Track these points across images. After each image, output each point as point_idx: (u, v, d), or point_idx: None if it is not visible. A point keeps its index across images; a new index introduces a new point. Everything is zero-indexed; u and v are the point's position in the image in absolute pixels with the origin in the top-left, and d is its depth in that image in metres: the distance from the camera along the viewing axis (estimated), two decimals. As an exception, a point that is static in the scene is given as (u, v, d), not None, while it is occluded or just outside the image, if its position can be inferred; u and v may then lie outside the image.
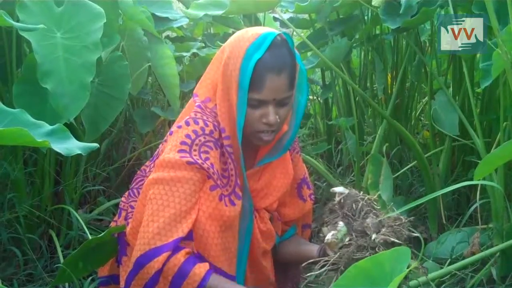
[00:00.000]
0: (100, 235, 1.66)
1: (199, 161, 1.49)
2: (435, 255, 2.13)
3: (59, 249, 2.04)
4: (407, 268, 1.17)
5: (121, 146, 2.96)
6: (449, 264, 1.99)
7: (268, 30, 1.55)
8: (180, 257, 1.45)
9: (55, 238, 2.15)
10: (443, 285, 1.94)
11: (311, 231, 1.98)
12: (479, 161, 1.80)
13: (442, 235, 2.26)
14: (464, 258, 2.00)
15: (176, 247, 1.45)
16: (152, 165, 1.68)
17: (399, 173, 2.66)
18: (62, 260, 1.95)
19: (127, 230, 1.61)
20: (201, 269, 1.45)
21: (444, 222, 2.37)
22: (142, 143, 2.91)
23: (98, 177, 2.63)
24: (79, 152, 1.53)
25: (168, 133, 1.61)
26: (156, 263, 1.44)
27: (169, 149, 1.53)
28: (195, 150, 1.51)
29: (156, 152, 1.71)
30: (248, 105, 1.51)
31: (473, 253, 1.98)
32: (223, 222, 1.51)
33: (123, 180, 2.79)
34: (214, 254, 1.51)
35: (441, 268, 1.95)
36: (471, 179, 2.19)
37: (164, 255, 1.44)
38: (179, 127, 1.55)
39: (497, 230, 2.03)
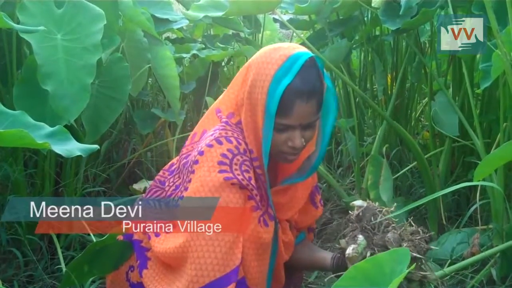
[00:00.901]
0: (103, 238, 1.65)
1: (244, 182, 1.45)
2: (435, 256, 2.13)
3: (59, 250, 2.04)
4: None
5: (121, 147, 2.96)
6: (449, 265, 1.99)
7: (296, 50, 1.48)
8: None
9: (55, 239, 2.15)
10: (443, 286, 1.94)
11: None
12: (479, 162, 1.80)
13: (442, 236, 2.26)
14: (464, 259, 1.99)
15: (238, 281, 1.44)
16: (172, 179, 1.61)
17: (399, 174, 2.66)
18: (62, 261, 1.95)
19: (157, 248, 1.53)
20: None
21: (444, 223, 2.37)
22: (142, 144, 2.91)
23: (98, 178, 2.63)
24: (79, 153, 1.54)
25: (197, 153, 1.51)
26: None
27: (207, 170, 1.45)
28: (236, 170, 1.45)
29: (176, 166, 1.62)
30: (274, 128, 1.46)
31: (473, 254, 1.98)
32: (260, 245, 1.49)
33: (124, 181, 2.79)
34: (251, 276, 1.49)
35: (441, 269, 1.95)
36: (471, 180, 2.19)
37: (231, 287, 1.42)
38: (210, 146, 1.46)
39: (497, 230, 2.03)
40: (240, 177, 1.44)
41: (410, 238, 1.45)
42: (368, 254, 1.44)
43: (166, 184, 1.61)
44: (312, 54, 1.48)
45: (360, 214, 1.50)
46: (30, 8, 1.97)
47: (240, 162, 1.46)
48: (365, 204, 1.52)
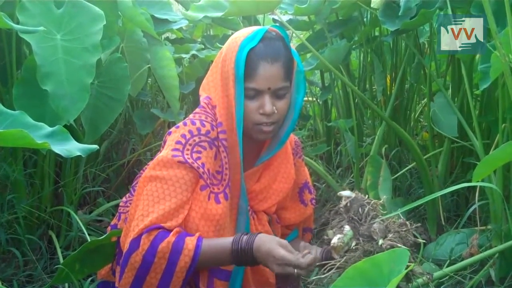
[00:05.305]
0: (101, 237, 1.66)
1: (190, 161, 1.51)
2: (434, 256, 2.14)
3: (59, 250, 2.05)
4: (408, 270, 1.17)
5: (120, 148, 2.97)
6: (448, 266, 1.99)
7: (264, 27, 1.59)
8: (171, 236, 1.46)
9: (55, 239, 2.15)
10: (442, 287, 1.95)
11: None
12: (478, 163, 1.80)
13: (441, 236, 2.26)
14: (463, 259, 2.00)
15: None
16: None
17: (398, 174, 2.66)
18: (62, 261, 1.95)
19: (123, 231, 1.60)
20: (192, 240, 1.46)
21: (443, 223, 2.38)
22: (141, 144, 2.92)
23: (97, 178, 2.64)
24: (78, 153, 1.54)
25: (167, 133, 1.62)
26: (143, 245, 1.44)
27: (165, 148, 1.56)
28: (187, 150, 1.53)
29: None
30: (245, 97, 1.54)
31: (472, 255, 1.99)
32: (216, 221, 1.52)
33: (123, 181, 2.80)
34: None
35: (440, 269, 1.96)
36: (470, 181, 2.19)
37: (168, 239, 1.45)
38: (177, 127, 1.58)
39: (495, 231, 2.03)
40: (187, 157, 1.52)
41: (397, 230, 1.44)
42: (353, 244, 1.44)
43: None
44: (279, 28, 1.60)
45: (348, 204, 1.50)
46: (30, 8, 1.97)
47: (196, 142, 1.54)
48: (353, 195, 1.51)
